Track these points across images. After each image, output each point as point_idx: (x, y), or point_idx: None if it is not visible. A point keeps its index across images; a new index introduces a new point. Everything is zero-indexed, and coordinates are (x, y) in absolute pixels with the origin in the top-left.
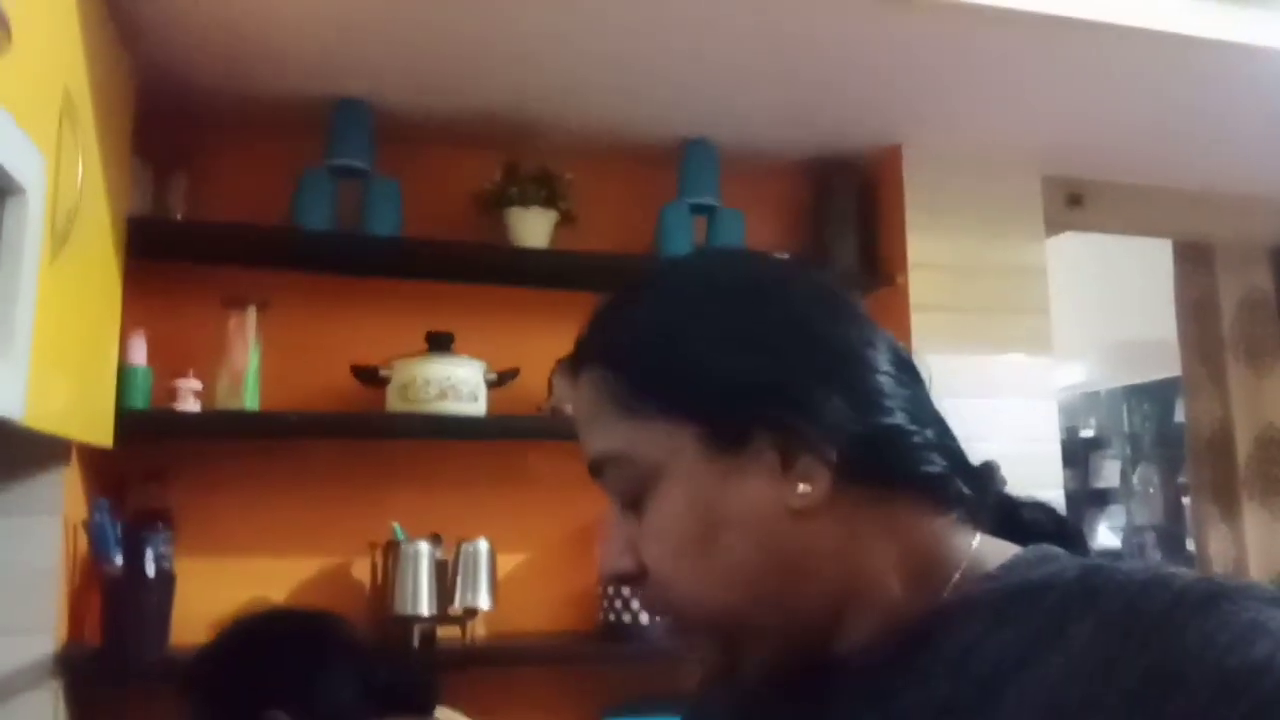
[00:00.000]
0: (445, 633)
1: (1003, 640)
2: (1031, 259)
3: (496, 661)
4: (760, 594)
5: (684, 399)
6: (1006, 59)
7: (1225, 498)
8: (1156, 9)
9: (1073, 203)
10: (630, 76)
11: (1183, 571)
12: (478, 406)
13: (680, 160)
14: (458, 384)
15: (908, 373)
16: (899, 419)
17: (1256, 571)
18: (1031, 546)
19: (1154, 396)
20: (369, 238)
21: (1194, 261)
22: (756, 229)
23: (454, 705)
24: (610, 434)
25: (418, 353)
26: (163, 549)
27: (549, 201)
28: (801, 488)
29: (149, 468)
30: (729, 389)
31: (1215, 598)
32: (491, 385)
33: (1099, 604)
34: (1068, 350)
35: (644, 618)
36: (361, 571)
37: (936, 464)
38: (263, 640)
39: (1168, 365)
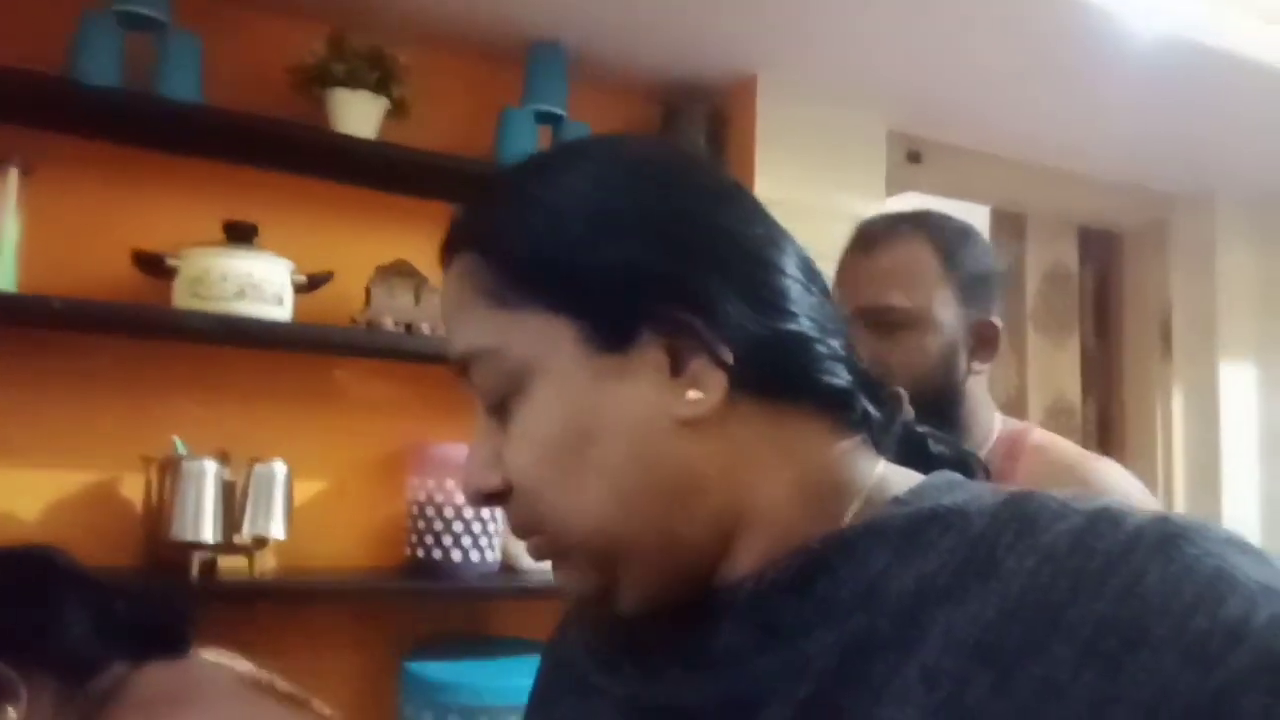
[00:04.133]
0: (230, 563)
1: (921, 569)
2: (869, 209)
3: (287, 597)
4: (638, 512)
5: (562, 289)
6: None
7: None
8: None
9: (912, 159)
10: None
11: (1128, 506)
12: (282, 311)
13: (527, 63)
14: (260, 283)
15: (814, 281)
16: (804, 325)
17: None
18: (938, 473)
19: None
20: (161, 100)
21: (1008, 231)
22: None
23: (237, 644)
24: (479, 327)
25: (214, 243)
26: None
27: (380, 86)
28: (691, 394)
29: None
30: (614, 279)
31: (1173, 538)
32: (300, 289)
33: (1038, 536)
34: None
35: (455, 554)
36: (133, 489)
37: (841, 378)
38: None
39: None
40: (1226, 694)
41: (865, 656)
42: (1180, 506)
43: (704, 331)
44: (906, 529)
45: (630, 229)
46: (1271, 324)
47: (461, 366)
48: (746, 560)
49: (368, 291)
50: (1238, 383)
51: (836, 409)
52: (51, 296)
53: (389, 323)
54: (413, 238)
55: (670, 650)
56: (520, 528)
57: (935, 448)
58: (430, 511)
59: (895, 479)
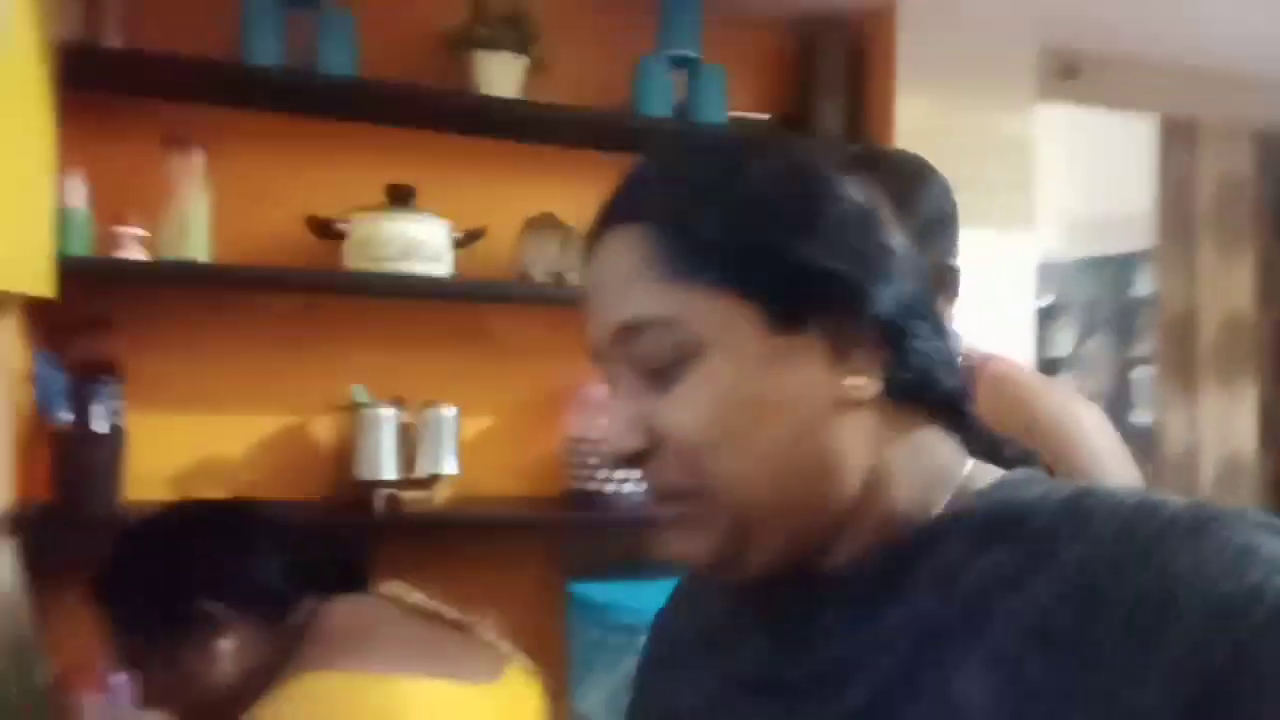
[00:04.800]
0: (409, 497)
1: (992, 560)
2: (1020, 131)
3: (461, 527)
4: (787, 484)
5: (749, 273)
6: None
7: (1186, 377)
8: None
9: (1067, 75)
10: None
11: (1172, 498)
12: (442, 267)
13: (660, 9)
14: (421, 243)
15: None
16: (936, 334)
17: (1211, 450)
18: (1019, 469)
19: (1114, 270)
20: (322, 77)
21: (1178, 139)
22: (739, 88)
23: (418, 569)
24: (654, 298)
25: (378, 207)
26: (112, 402)
27: (520, 46)
28: (850, 381)
29: (92, 317)
30: (796, 270)
31: (1206, 522)
32: (457, 244)
33: (1090, 528)
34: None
35: (609, 486)
36: (320, 431)
37: (953, 382)
38: (177, 529)
39: (1130, 240)
40: (1246, 645)
41: (938, 639)
42: None
43: (866, 328)
44: (983, 522)
45: (812, 228)
46: None
47: (622, 332)
48: (851, 543)
49: (519, 244)
50: None
51: (949, 410)
52: (240, 266)
53: (539, 273)
54: (558, 189)
55: (771, 627)
56: (662, 488)
57: (1010, 452)
58: (585, 447)
59: (980, 474)
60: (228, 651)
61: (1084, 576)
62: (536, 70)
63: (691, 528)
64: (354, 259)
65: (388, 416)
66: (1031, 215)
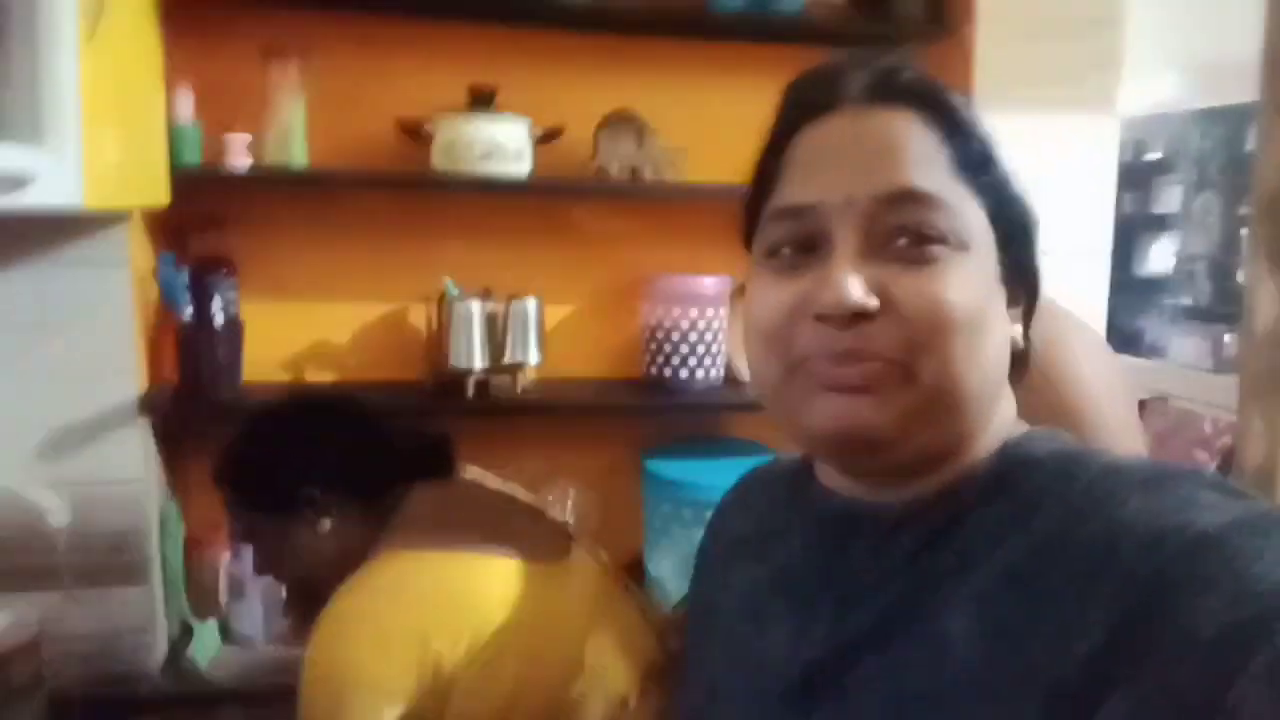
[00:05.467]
0: (498, 382)
1: (992, 513)
2: (1111, 12)
3: (545, 409)
4: (979, 393)
5: (992, 199)
6: None
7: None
8: None
9: None
10: None
11: (1143, 461)
12: (523, 166)
13: None
14: (502, 144)
15: None
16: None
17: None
18: (1044, 427)
19: (1227, 122)
20: None
21: None
22: None
23: (506, 449)
24: (945, 183)
25: (461, 108)
26: (229, 294)
27: None
28: (1016, 328)
29: (207, 219)
30: (1009, 211)
31: (1161, 480)
32: (537, 143)
33: (1067, 488)
34: (1142, 68)
35: (683, 372)
36: (417, 319)
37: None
38: (284, 423)
39: (1248, 90)
40: (1164, 569)
41: (937, 578)
42: None
43: (1030, 285)
44: (995, 478)
45: (1009, 179)
46: None
47: (902, 197)
48: (921, 484)
49: (596, 140)
50: None
51: (1021, 363)
52: (336, 171)
53: (615, 168)
54: (634, 84)
55: (811, 540)
56: (867, 352)
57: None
58: (661, 335)
59: (1017, 426)
60: (328, 531)
61: (1052, 529)
62: None
63: (875, 396)
64: (441, 160)
65: (476, 308)
66: (1114, 101)
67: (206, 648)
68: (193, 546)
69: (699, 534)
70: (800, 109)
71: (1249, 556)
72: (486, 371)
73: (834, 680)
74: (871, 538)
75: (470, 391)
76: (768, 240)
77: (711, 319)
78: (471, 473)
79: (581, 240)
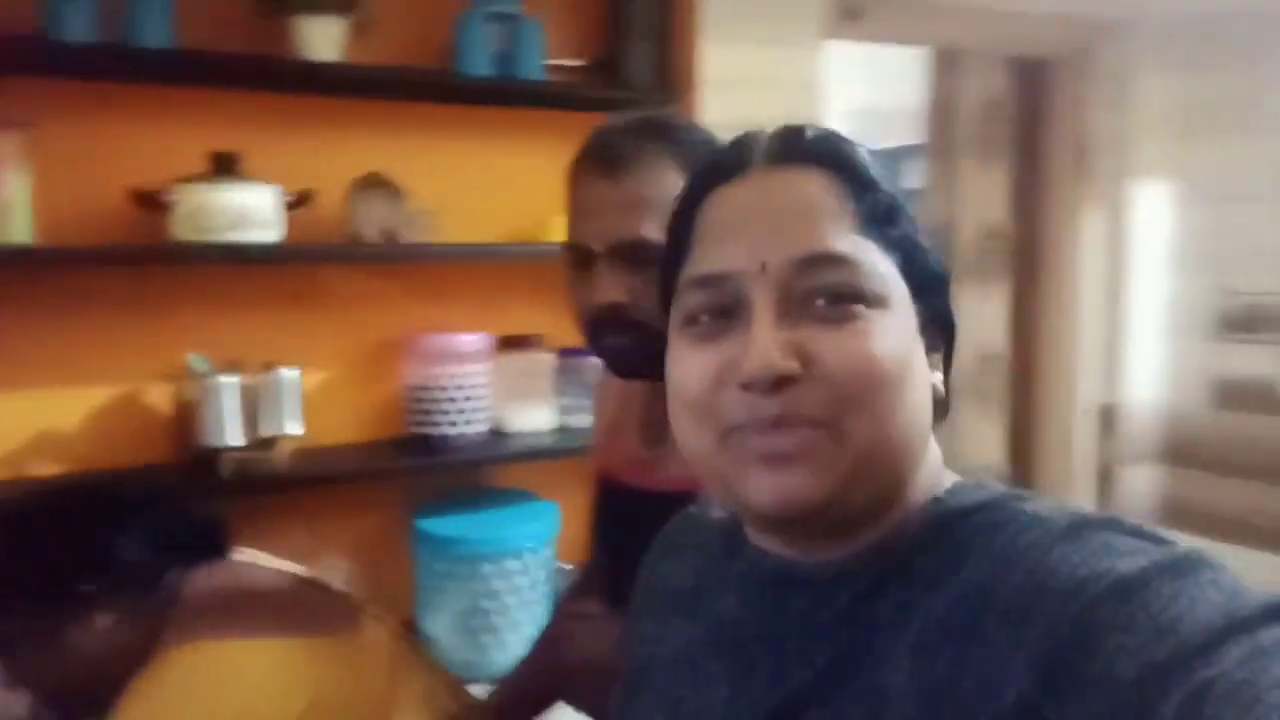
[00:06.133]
0: (255, 458)
1: (925, 563)
2: (810, 72)
3: (308, 483)
4: (902, 451)
5: (902, 252)
6: None
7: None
8: None
9: (851, 17)
10: None
11: (1065, 508)
12: (273, 233)
13: None
14: (251, 211)
15: None
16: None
17: (968, 343)
18: (971, 474)
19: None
20: (137, 51)
21: (944, 67)
22: (555, 37)
23: (271, 523)
24: (850, 240)
25: (203, 175)
26: None
27: (340, 7)
28: (937, 376)
29: None
30: (920, 264)
31: (1081, 528)
32: (288, 207)
33: (994, 538)
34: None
35: (449, 427)
36: (156, 398)
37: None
38: (42, 517)
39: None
40: (1089, 614)
41: (874, 631)
42: (1089, 319)
43: (945, 332)
44: (929, 528)
45: (917, 233)
46: (1185, 146)
47: (812, 261)
48: (858, 538)
49: (348, 205)
50: (1149, 203)
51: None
52: (66, 248)
53: (370, 232)
54: (384, 147)
55: (745, 593)
56: (793, 416)
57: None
58: (422, 394)
59: (944, 476)
60: (104, 628)
61: (982, 579)
62: (358, 31)
63: (807, 464)
64: (182, 230)
65: (229, 383)
66: None
67: None
68: None
69: (474, 588)
70: (708, 175)
71: (1166, 598)
72: (242, 448)
73: None
74: (808, 595)
75: (226, 471)
76: (685, 309)
77: (474, 375)
78: (244, 554)
79: (337, 305)
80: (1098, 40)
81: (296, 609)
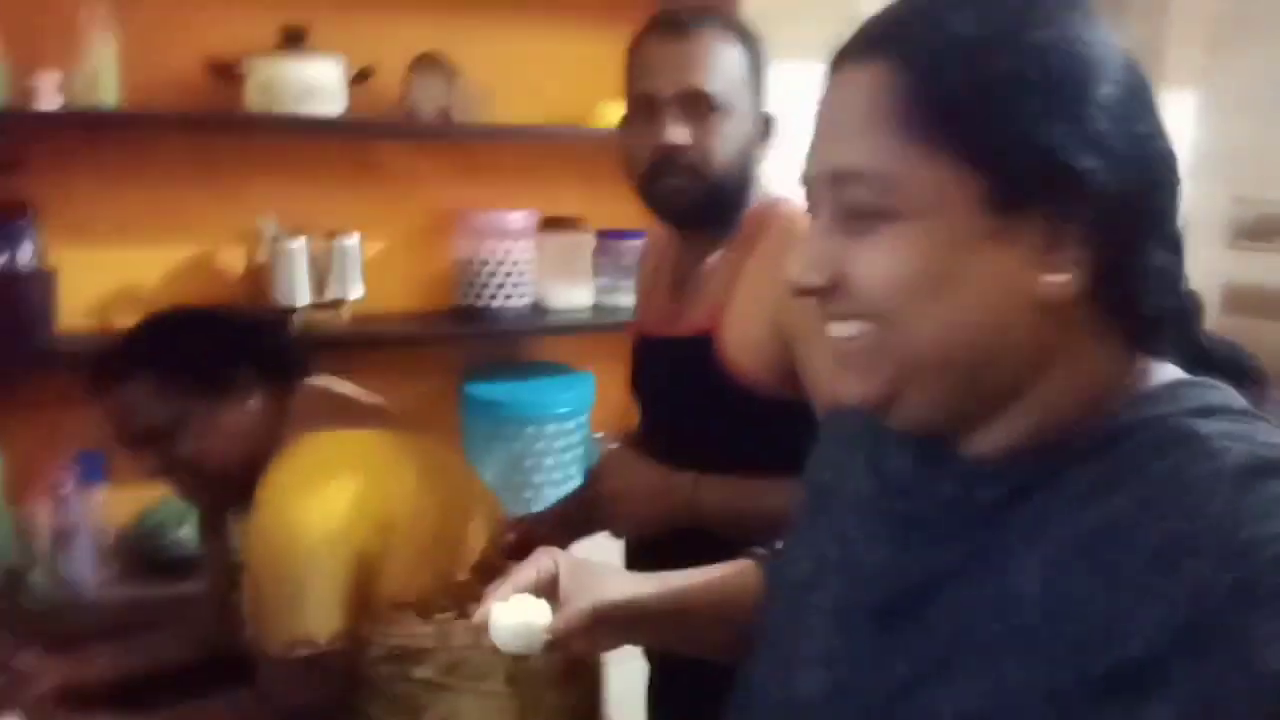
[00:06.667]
0: (321, 317)
1: (1080, 475)
2: None
3: (368, 344)
4: (951, 357)
5: (987, 146)
6: None
7: None
8: None
9: None
10: None
11: (1252, 439)
12: (336, 106)
13: None
14: (315, 84)
15: (1172, 168)
16: (1155, 250)
17: None
18: (1177, 385)
19: None
20: None
21: None
22: None
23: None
24: (876, 149)
25: (273, 48)
26: (35, 241)
27: None
28: (1053, 277)
29: (9, 161)
30: (1034, 155)
31: (1257, 473)
32: (350, 82)
33: (1157, 462)
34: None
35: (495, 300)
36: (227, 260)
37: (1161, 306)
38: (187, 319)
39: None
40: (1245, 585)
41: (1015, 533)
42: None
43: (1078, 229)
44: (1091, 438)
45: (1071, 114)
46: (1216, 55)
47: (835, 176)
48: (999, 433)
49: (406, 82)
50: (1178, 109)
51: (1148, 333)
52: (148, 113)
53: (426, 109)
54: (443, 26)
55: (890, 474)
56: (842, 319)
57: (1221, 354)
58: (472, 267)
59: (1144, 388)
60: (251, 411)
61: (1132, 508)
62: None
63: (857, 366)
64: (254, 100)
65: (299, 246)
66: None
67: (35, 594)
68: (14, 494)
69: (516, 449)
70: (827, 66)
71: None
72: (310, 307)
73: (916, 608)
74: (958, 483)
75: (297, 327)
76: None
77: (519, 251)
78: (323, 378)
79: (395, 178)
80: None
81: (385, 414)
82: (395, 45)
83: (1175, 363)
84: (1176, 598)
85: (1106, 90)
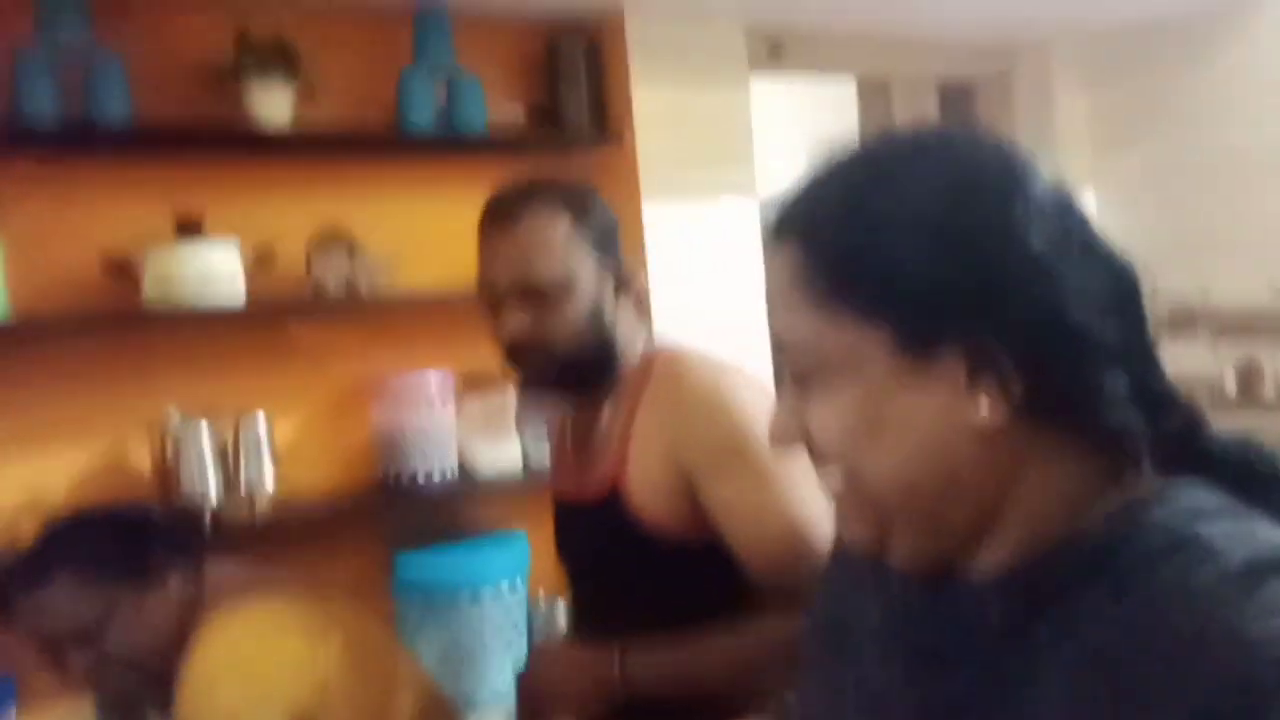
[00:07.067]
0: (234, 509)
1: (1087, 589)
2: (736, 107)
3: (287, 530)
4: (913, 494)
5: (883, 299)
6: None
7: None
8: None
9: (774, 54)
10: None
11: (1249, 538)
12: (236, 292)
13: (415, 25)
14: (215, 271)
15: (1116, 284)
16: (1093, 366)
17: None
18: (1177, 490)
19: None
20: (98, 123)
21: (872, 94)
22: (494, 89)
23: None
24: (797, 324)
25: (169, 240)
26: None
27: (286, 72)
28: (981, 408)
29: None
30: (930, 296)
31: (1259, 572)
32: (249, 269)
33: (1162, 569)
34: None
35: (419, 472)
36: (139, 458)
37: (1119, 416)
38: (89, 520)
39: None
40: (1254, 681)
41: (1029, 652)
42: None
43: (999, 355)
44: (1090, 552)
45: (948, 251)
46: (1105, 155)
47: (775, 342)
48: (990, 556)
49: (308, 258)
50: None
51: (1111, 439)
52: (41, 319)
53: (331, 283)
54: (339, 201)
55: (896, 604)
56: (823, 467)
57: (1219, 451)
58: (392, 436)
59: (1136, 495)
60: (174, 593)
61: (1143, 614)
62: (305, 93)
63: (845, 510)
64: (152, 293)
65: (203, 430)
66: (753, 185)
67: None
68: None
69: (452, 624)
70: None
71: None
72: (221, 499)
73: None
74: (964, 607)
75: (207, 523)
76: None
77: (439, 415)
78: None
79: (303, 355)
80: (1016, 61)
81: (298, 585)
82: (293, 224)
83: (1180, 469)
84: (1191, 697)
85: (1005, 224)
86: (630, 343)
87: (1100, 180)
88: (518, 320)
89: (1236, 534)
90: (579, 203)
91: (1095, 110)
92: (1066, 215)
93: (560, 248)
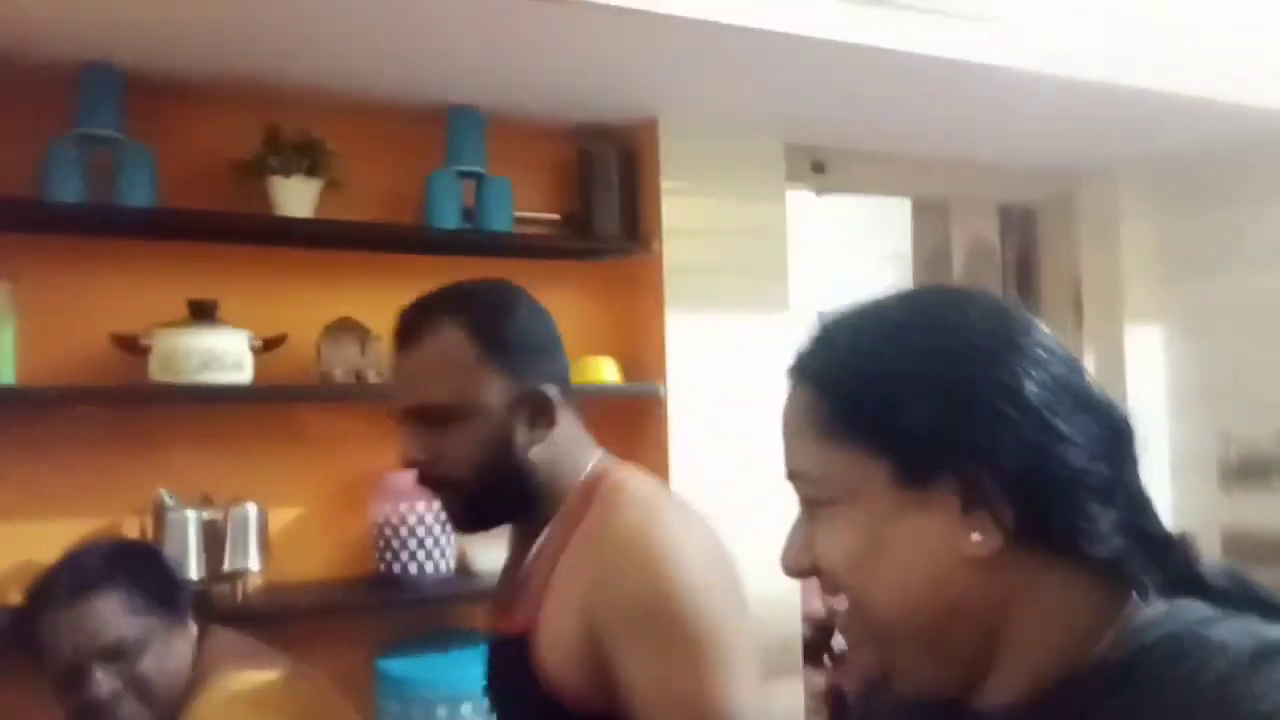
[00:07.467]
0: (219, 591)
1: (1107, 707)
2: (772, 221)
3: (267, 619)
4: (914, 622)
5: (882, 437)
6: (754, 36)
7: None
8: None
9: (816, 169)
10: (394, 40)
11: (1255, 632)
12: (243, 375)
13: (447, 126)
14: (222, 354)
15: (1108, 432)
16: (1082, 502)
17: None
18: (1175, 611)
19: None
20: (121, 209)
21: (931, 215)
22: (524, 194)
23: None
24: (806, 454)
25: (180, 321)
26: None
27: (312, 170)
28: (975, 536)
29: None
30: (928, 436)
31: (1267, 656)
32: (257, 352)
33: (1176, 673)
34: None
35: (414, 565)
36: (131, 534)
37: (1110, 546)
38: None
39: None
40: None
41: None
42: None
43: (991, 489)
44: (1112, 670)
45: (945, 401)
46: (1174, 286)
47: (789, 477)
48: (1000, 688)
49: (318, 347)
50: (1144, 344)
51: (1106, 568)
52: (47, 387)
53: (339, 373)
54: (357, 295)
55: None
56: (833, 593)
57: (1217, 582)
58: (390, 531)
59: (1144, 614)
60: (193, 638)
61: (1168, 716)
62: (330, 190)
63: (854, 638)
64: (158, 371)
65: (191, 517)
66: (785, 299)
67: None
68: None
69: None
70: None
71: None
72: (204, 581)
73: None
74: None
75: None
76: None
77: (438, 513)
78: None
79: (308, 444)
80: (1080, 186)
81: (290, 663)
82: (307, 314)
83: (1177, 595)
84: None
85: (999, 379)
86: (562, 466)
87: (1170, 313)
88: (412, 444)
89: (1240, 629)
90: (491, 320)
91: (1165, 239)
92: (1061, 368)
93: (457, 372)
